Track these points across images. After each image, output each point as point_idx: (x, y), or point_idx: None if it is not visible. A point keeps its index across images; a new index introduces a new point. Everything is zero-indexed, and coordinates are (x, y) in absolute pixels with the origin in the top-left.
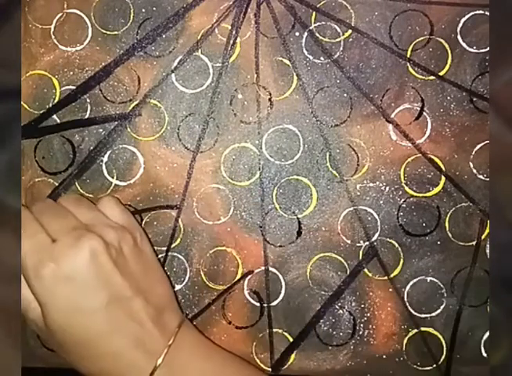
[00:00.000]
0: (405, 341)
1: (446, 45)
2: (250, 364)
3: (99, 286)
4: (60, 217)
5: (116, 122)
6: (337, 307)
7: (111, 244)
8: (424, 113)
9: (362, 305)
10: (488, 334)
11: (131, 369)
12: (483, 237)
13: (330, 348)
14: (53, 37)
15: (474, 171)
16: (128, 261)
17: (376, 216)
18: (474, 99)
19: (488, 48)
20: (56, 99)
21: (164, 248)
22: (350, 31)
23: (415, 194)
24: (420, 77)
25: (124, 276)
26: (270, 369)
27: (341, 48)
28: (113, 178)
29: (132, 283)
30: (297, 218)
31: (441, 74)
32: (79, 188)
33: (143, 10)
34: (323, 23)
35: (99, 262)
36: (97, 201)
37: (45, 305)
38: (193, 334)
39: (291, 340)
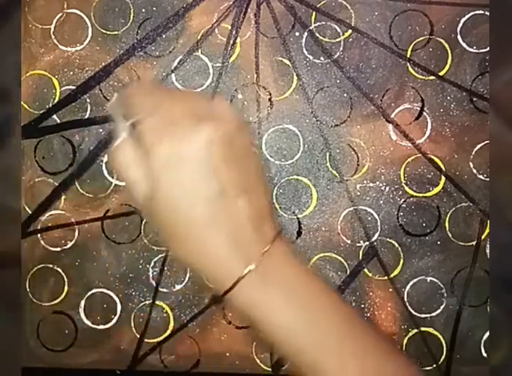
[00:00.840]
0: (405, 341)
1: (446, 45)
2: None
3: (209, 176)
4: (175, 102)
5: None
6: None
7: (227, 138)
8: (424, 113)
9: (362, 305)
10: (488, 334)
11: (220, 268)
12: (483, 237)
13: None
14: (53, 37)
15: (474, 171)
16: (238, 159)
17: (376, 216)
18: (474, 99)
19: (488, 48)
20: (56, 99)
21: (164, 248)
22: (350, 31)
23: (415, 194)
24: (420, 77)
25: (233, 172)
26: (270, 369)
27: (341, 48)
28: (113, 178)
29: (240, 182)
30: (297, 218)
31: (441, 74)
32: (79, 188)
33: (143, 10)
34: (323, 23)
35: (213, 151)
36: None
37: (155, 185)
38: (288, 247)
39: None
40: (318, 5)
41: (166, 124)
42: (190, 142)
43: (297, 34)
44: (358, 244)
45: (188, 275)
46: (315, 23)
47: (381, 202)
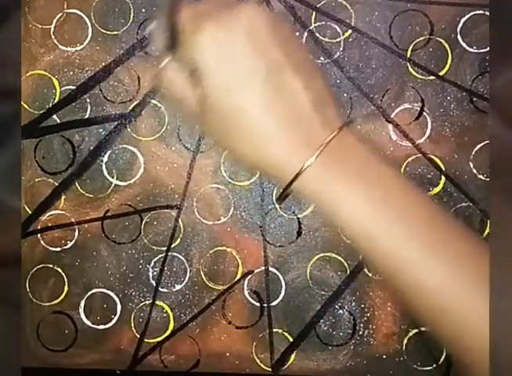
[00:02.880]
0: (405, 341)
1: (446, 45)
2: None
3: (256, 57)
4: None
5: (116, 122)
6: (337, 307)
7: (271, 20)
8: (424, 113)
9: (362, 305)
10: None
11: (282, 159)
12: (483, 237)
13: (330, 348)
14: (53, 37)
15: (474, 171)
16: (286, 42)
17: None
18: (474, 99)
19: (488, 48)
20: (56, 99)
21: (164, 248)
22: (350, 31)
23: None
24: (420, 77)
25: (283, 53)
26: (270, 369)
27: (341, 48)
28: (113, 178)
29: (290, 63)
30: (297, 218)
31: (441, 74)
32: (79, 188)
33: (143, 10)
34: (323, 23)
35: (258, 31)
36: None
37: (201, 74)
38: (356, 135)
39: (291, 340)
40: (318, 5)
41: (206, 11)
42: (233, 23)
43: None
44: None
45: (188, 275)
46: (315, 23)
47: None
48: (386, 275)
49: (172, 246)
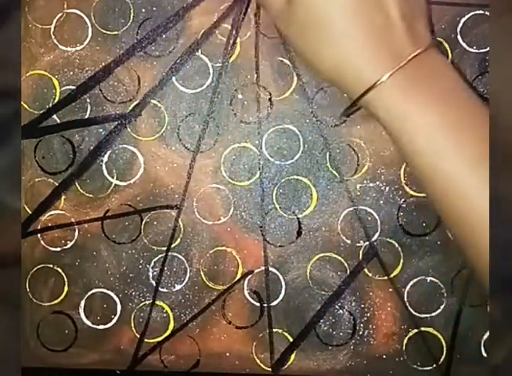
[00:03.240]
0: (405, 341)
1: (446, 45)
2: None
3: None
4: None
5: (116, 122)
6: (337, 307)
7: None
8: None
9: (362, 305)
10: (488, 334)
11: (363, 67)
12: None
13: (330, 348)
14: (53, 37)
15: None
16: None
17: (376, 216)
18: None
19: (488, 48)
20: (56, 99)
21: (164, 248)
22: None
23: (415, 194)
24: None
25: None
26: (270, 369)
27: None
28: (113, 178)
29: None
30: (297, 218)
31: None
32: (79, 188)
33: (143, 10)
34: None
35: None
36: None
37: None
38: (442, 57)
39: (291, 340)
40: None
41: None
42: None
43: None
44: (358, 244)
45: (188, 275)
46: None
47: (381, 202)
48: (432, 195)
49: (172, 246)
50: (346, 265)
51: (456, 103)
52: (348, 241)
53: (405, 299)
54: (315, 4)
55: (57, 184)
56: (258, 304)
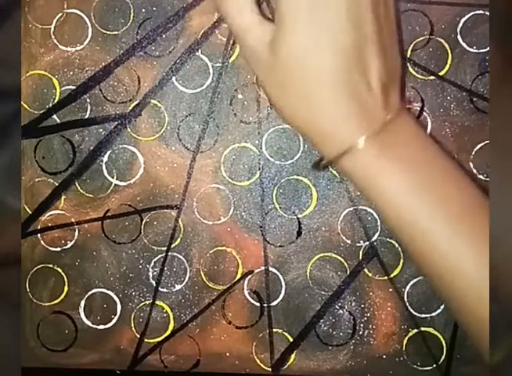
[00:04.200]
0: (405, 341)
1: (446, 45)
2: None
3: (348, 25)
4: None
5: (116, 122)
6: (337, 307)
7: None
8: (424, 113)
9: (362, 305)
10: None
11: (339, 129)
12: None
13: (330, 348)
14: (53, 37)
15: (474, 171)
16: (377, 15)
17: (376, 216)
18: (474, 99)
19: (488, 48)
20: (56, 99)
21: (164, 248)
22: None
23: None
24: (420, 77)
25: (373, 28)
26: (270, 369)
27: None
28: (113, 178)
29: (378, 38)
30: (297, 218)
31: (441, 74)
32: (79, 188)
33: (143, 10)
34: None
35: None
36: None
37: (285, 26)
38: (414, 120)
39: (291, 340)
40: None
41: None
42: None
43: None
44: (358, 244)
45: (188, 275)
46: None
47: None
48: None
49: (172, 246)
50: (346, 265)
51: (429, 166)
52: (348, 241)
53: (405, 299)
54: (301, 58)
55: (57, 184)
56: (258, 304)
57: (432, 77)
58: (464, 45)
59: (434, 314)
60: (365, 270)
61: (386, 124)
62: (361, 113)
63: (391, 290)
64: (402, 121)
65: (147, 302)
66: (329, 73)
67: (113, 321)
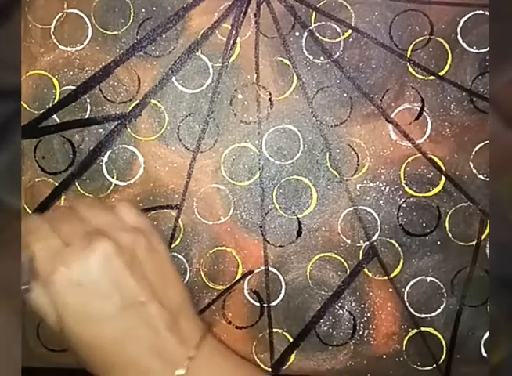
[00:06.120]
0: (405, 341)
1: (446, 45)
2: None
3: (112, 290)
4: (73, 221)
5: (116, 122)
6: (337, 307)
7: (125, 247)
8: (424, 113)
9: (362, 305)
10: (488, 334)
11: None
12: (483, 237)
13: (330, 348)
14: (53, 37)
15: (474, 171)
16: (142, 264)
17: (376, 216)
18: (474, 99)
19: (488, 48)
20: (56, 99)
21: None
22: (350, 31)
23: (415, 194)
24: (420, 77)
25: (138, 280)
26: (270, 369)
27: (341, 48)
28: (113, 178)
29: (146, 288)
30: (297, 218)
31: (441, 74)
32: (79, 188)
33: (143, 10)
34: (323, 23)
35: (111, 265)
36: (111, 205)
37: (59, 312)
38: (218, 347)
39: (291, 340)
40: (318, 5)
41: (59, 249)
42: (85, 262)
43: (297, 34)
44: (358, 244)
45: (188, 275)
46: (315, 23)
47: (381, 202)
48: None
49: (172, 246)
50: (346, 265)
51: None
52: (348, 241)
53: (405, 299)
54: (85, 330)
55: (57, 184)
56: (258, 304)
57: (432, 77)
58: (464, 45)
59: (434, 314)
60: (365, 270)
61: (189, 362)
62: (157, 358)
63: (391, 290)
64: (203, 354)
65: None
66: (112, 339)
67: None
